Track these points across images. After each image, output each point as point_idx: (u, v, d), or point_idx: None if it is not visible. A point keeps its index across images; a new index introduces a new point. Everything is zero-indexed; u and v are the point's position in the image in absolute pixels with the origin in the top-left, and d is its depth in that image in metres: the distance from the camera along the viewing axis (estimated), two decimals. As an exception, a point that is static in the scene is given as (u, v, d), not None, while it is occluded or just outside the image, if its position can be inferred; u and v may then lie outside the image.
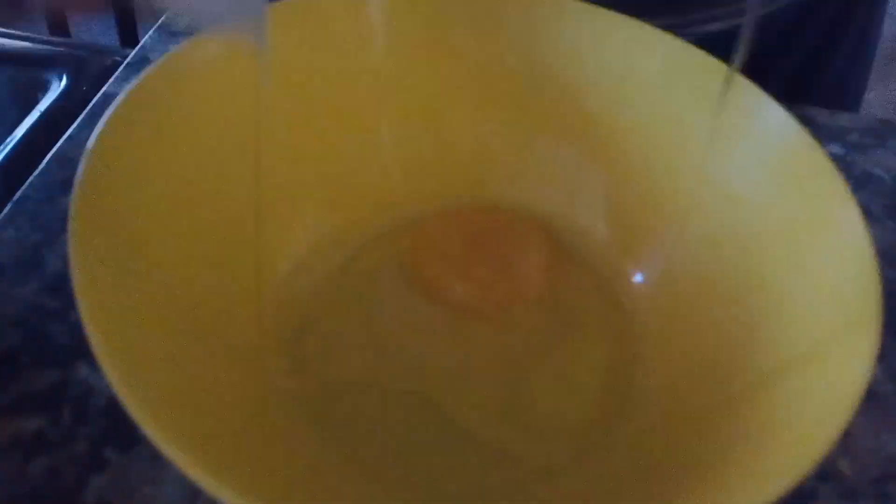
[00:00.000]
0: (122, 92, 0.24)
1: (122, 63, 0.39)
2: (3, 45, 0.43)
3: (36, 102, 0.39)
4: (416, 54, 0.30)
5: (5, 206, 0.32)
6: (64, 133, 0.35)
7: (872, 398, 0.28)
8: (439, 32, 0.30)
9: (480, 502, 0.24)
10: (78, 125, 0.36)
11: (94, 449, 0.25)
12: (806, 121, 0.25)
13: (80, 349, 0.28)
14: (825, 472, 0.26)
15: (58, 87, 0.40)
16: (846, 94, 0.49)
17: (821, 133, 0.38)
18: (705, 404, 0.24)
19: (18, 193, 0.33)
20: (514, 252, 0.30)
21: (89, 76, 0.41)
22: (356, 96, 0.30)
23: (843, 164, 0.37)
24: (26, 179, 0.33)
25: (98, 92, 0.38)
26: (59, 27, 1.05)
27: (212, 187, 0.26)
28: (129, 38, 1.06)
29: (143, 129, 0.24)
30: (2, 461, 0.25)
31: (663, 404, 0.26)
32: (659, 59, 0.28)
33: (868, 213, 0.23)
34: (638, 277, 0.29)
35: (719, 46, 0.26)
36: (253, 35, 0.21)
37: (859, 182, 0.36)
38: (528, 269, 0.30)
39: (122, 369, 0.18)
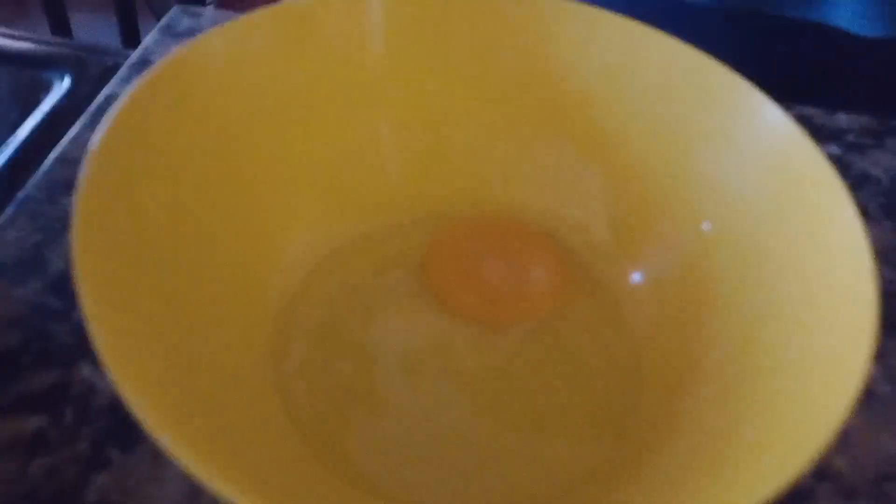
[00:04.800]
0: (124, 93, 0.24)
1: (123, 64, 0.39)
2: (5, 45, 0.43)
3: (38, 103, 0.39)
4: (416, 55, 0.30)
5: (7, 206, 0.32)
6: (66, 133, 0.35)
7: (870, 398, 0.28)
8: (439, 32, 0.30)
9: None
10: (80, 126, 0.36)
11: (96, 448, 0.25)
12: (803, 121, 0.25)
13: (81, 349, 0.28)
14: (823, 472, 0.26)
15: (60, 87, 0.40)
16: None
17: (818, 133, 0.38)
18: (703, 403, 0.24)
19: (21, 193, 0.33)
20: (528, 268, 0.30)
21: (91, 77, 0.41)
22: (356, 97, 0.30)
23: (841, 165, 0.37)
24: (29, 180, 0.33)
25: (100, 93, 0.38)
26: (61, 27, 1.05)
27: (213, 188, 0.26)
28: (131, 38, 1.06)
29: (145, 129, 0.24)
30: (3, 461, 0.25)
31: (663, 403, 0.26)
32: (658, 60, 0.28)
33: (866, 214, 0.23)
34: (637, 277, 0.29)
35: None
36: None
37: (857, 182, 0.36)
38: (539, 288, 0.30)
39: (124, 368, 0.18)
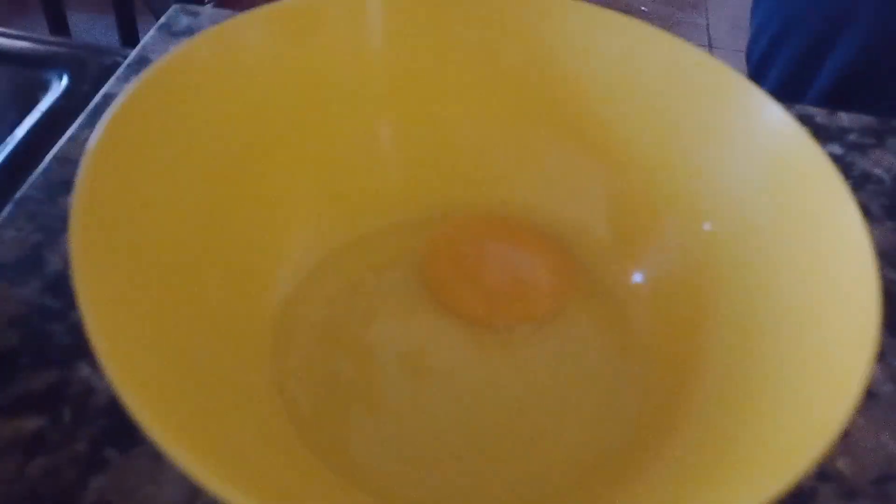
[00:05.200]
0: (123, 92, 0.24)
1: (122, 63, 0.39)
2: (3, 45, 0.43)
3: (36, 102, 0.39)
4: (416, 54, 0.30)
5: (6, 205, 0.32)
6: (64, 133, 0.35)
7: (872, 398, 0.28)
8: (439, 32, 0.30)
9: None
10: (78, 125, 0.36)
11: (95, 449, 0.25)
12: (805, 120, 0.25)
13: (80, 349, 0.28)
14: (825, 473, 0.26)
15: (58, 87, 0.40)
16: None
17: (820, 133, 0.38)
18: (704, 404, 0.24)
19: (19, 193, 0.33)
20: (528, 268, 0.30)
21: (90, 76, 0.41)
22: (356, 96, 0.30)
23: (843, 164, 0.37)
24: (27, 179, 0.33)
25: (98, 92, 0.38)
26: (59, 27, 1.05)
27: (212, 187, 0.26)
28: (130, 37, 1.06)
29: (144, 129, 0.24)
30: (1, 461, 0.25)
31: (663, 404, 0.26)
32: (659, 59, 0.28)
33: (867, 213, 0.23)
34: (638, 277, 0.29)
35: None
36: None
37: (858, 182, 0.36)
38: (540, 288, 0.30)
39: (122, 370, 0.18)
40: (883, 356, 0.29)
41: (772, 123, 0.26)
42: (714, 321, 0.26)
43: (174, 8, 0.43)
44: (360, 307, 0.29)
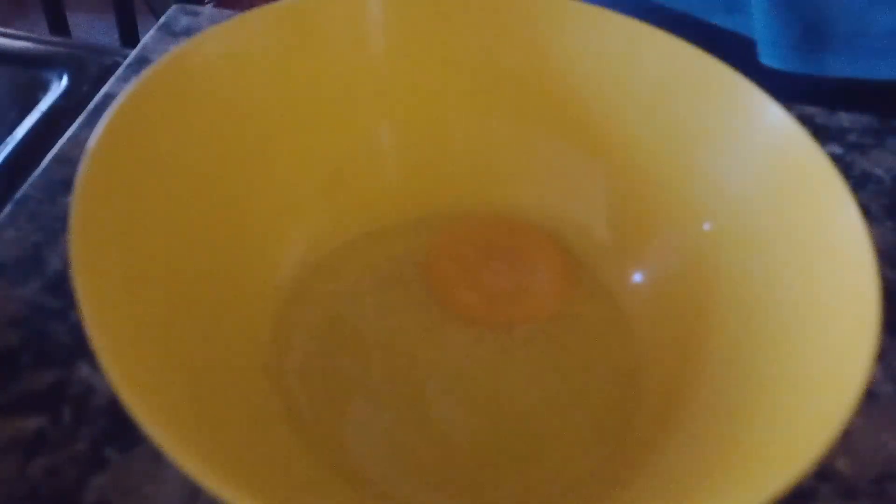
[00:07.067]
0: (123, 92, 0.24)
1: (122, 63, 0.39)
2: (3, 44, 0.43)
3: (36, 102, 0.39)
4: (416, 54, 0.30)
5: (6, 205, 0.32)
6: (64, 133, 0.35)
7: (871, 398, 0.28)
8: (439, 32, 0.30)
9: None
10: (78, 125, 0.36)
11: (95, 449, 0.25)
12: (804, 120, 0.25)
13: (80, 349, 0.28)
14: (824, 472, 0.26)
15: (58, 86, 0.40)
16: None
17: (819, 133, 0.38)
18: (704, 404, 0.24)
19: (19, 193, 0.33)
20: (529, 268, 0.30)
21: (90, 76, 0.41)
22: (356, 96, 0.30)
23: (843, 164, 0.37)
24: (27, 179, 0.33)
25: (98, 92, 0.38)
26: (59, 27, 1.05)
27: (212, 188, 0.26)
28: (130, 37, 1.06)
29: (144, 129, 0.24)
30: (2, 461, 0.25)
31: (663, 403, 0.26)
32: (659, 60, 0.28)
33: (867, 213, 0.23)
34: (637, 277, 0.29)
35: None
36: None
37: (859, 182, 0.36)
38: (541, 289, 0.30)
39: (123, 369, 0.18)
40: (883, 356, 0.29)
41: (772, 123, 0.26)
42: (714, 321, 0.26)
43: (174, 8, 0.43)
44: (360, 307, 0.29)
